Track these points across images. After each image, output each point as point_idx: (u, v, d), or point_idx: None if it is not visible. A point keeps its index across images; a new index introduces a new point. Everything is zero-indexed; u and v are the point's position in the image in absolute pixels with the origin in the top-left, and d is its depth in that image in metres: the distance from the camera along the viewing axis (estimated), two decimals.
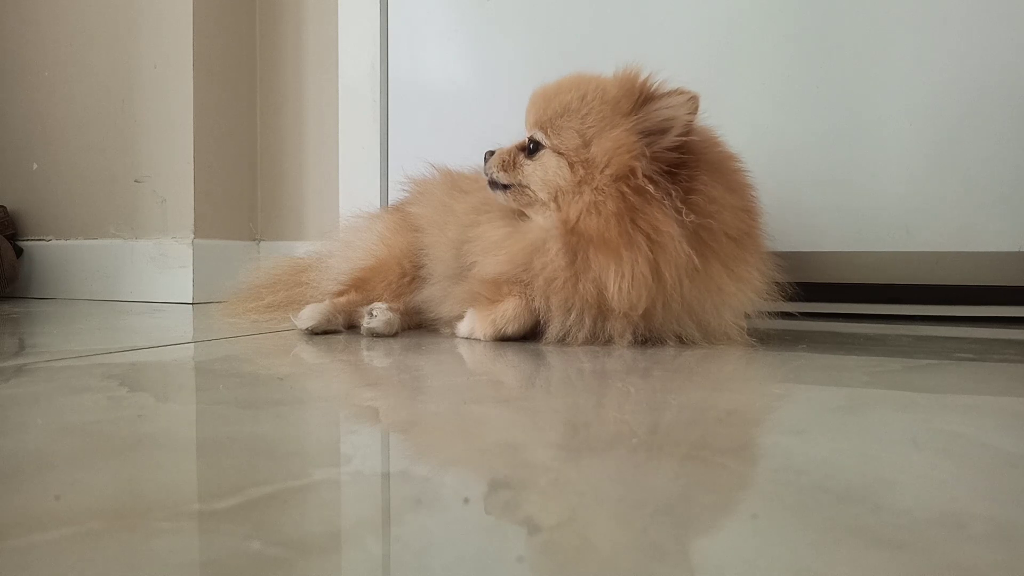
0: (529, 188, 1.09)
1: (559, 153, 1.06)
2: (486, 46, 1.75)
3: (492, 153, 1.14)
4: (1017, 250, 1.39)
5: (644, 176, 1.00)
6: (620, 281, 0.99)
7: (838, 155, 1.47)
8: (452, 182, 1.32)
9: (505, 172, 1.11)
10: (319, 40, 1.99)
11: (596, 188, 1.02)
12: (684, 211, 1.00)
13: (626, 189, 1.00)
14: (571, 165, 1.05)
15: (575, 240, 1.03)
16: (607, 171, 1.02)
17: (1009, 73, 1.37)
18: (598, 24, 1.62)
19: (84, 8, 1.97)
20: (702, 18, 1.54)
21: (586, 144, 1.04)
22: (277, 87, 2.05)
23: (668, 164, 1.02)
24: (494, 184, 1.13)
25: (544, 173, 1.07)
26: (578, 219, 1.02)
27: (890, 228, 1.45)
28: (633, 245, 0.99)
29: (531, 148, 1.10)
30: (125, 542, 0.34)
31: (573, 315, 1.03)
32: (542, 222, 1.08)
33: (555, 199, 1.06)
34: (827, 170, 1.48)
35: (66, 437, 0.53)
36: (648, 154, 1.01)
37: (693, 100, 1.02)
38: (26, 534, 0.35)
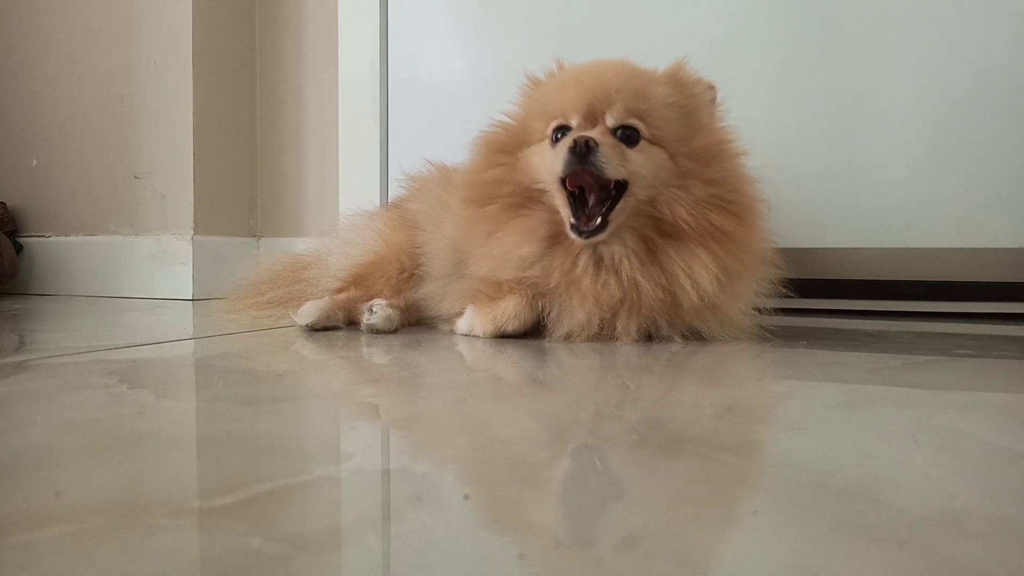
0: (636, 185, 0.99)
1: (660, 146, 1.01)
2: (485, 43, 1.75)
3: (593, 140, 0.94)
4: (1017, 246, 1.39)
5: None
6: (709, 278, 0.99)
7: (838, 152, 1.47)
8: (447, 179, 1.31)
9: (623, 166, 0.96)
10: (319, 37, 1.99)
11: (710, 180, 1.02)
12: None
13: (744, 173, 1.04)
14: (673, 158, 1.02)
15: (662, 240, 1.01)
16: (721, 160, 1.03)
17: (1009, 70, 1.37)
18: (596, 22, 1.62)
19: (84, 5, 1.97)
20: (701, 16, 1.54)
21: (687, 138, 1.03)
22: (277, 84, 2.05)
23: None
24: (596, 229, 0.98)
25: (654, 164, 1.00)
26: (689, 216, 0.99)
27: (890, 225, 1.45)
28: (750, 227, 1.03)
29: (624, 136, 0.99)
30: (125, 539, 0.34)
31: (598, 319, 1.01)
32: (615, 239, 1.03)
33: (654, 201, 1.01)
34: (827, 167, 1.48)
35: (66, 434, 0.53)
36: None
37: (712, 88, 1.09)
38: (26, 531, 0.35)
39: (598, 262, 1.03)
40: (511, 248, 1.05)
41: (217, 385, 0.75)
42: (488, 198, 1.10)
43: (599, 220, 0.99)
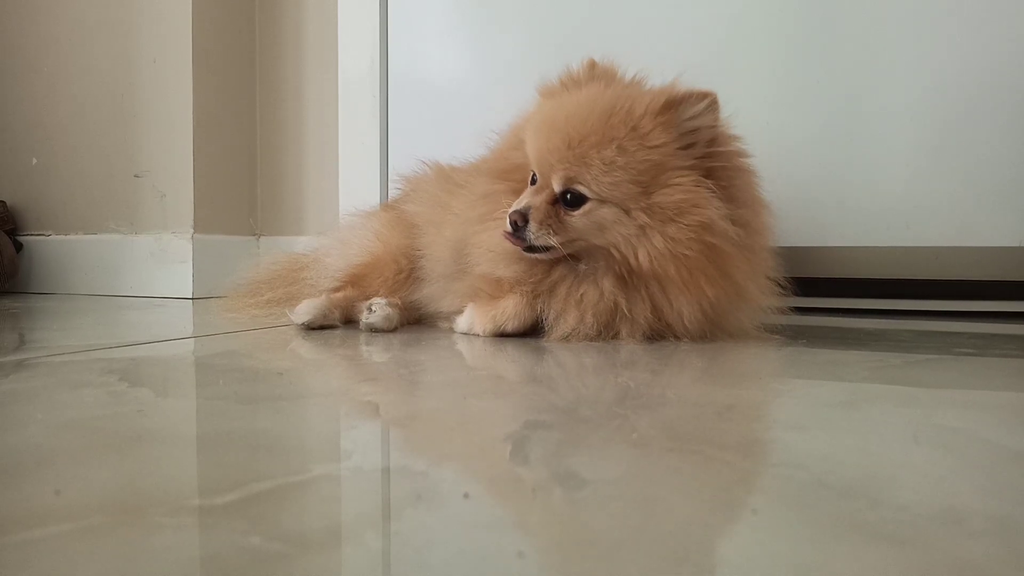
0: (581, 240, 1.02)
1: (611, 203, 0.99)
2: (485, 41, 1.75)
3: (524, 217, 1.01)
4: (1017, 245, 1.39)
5: (721, 221, 0.98)
6: (692, 314, 0.99)
7: (839, 151, 1.47)
8: (446, 178, 1.30)
9: (556, 235, 1.00)
10: (319, 35, 1.99)
11: (671, 238, 0.97)
12: (743, 234, 1.00)
13: (709, 239, 0.97)
14: (627, 212, 0.99)
15: (636, 279, 1.00)
16: (683, 220, 0.97)
17: (1009, 69, 1.37)
18: (596, 19, 1.62)
19: (84, 3, 1.97)
20: (701, 14, 1.53)
21: (645, 192, 0.99)
22: (277, 82, 2.04)
23: (703, 173, 1.00)
24: (533, 249, 1.02)
25: (600, 225, 1.00)
26: (651, 264, 0.98)
27: (891, 223, 1.45)
28: (713, 285, 0.98)
29: (569, 199, 1.01)
30: (125, 538, 0.34)
31: (591, 323, 1.01)
32: (585, 262, 1.04)
33: (615, 245, 1.00)
34: (828, 166, 1.48)
35: (66, 432, 0.53)
36: (721, 196, 0.99)
37: (713, 102, 1.00)
38: (26, 530, 0.35)
39: (572, 271, 1.04)
40: (498, 244, 1.07)
41: (217, 383, 0.75)
42: (506, 173, 1.12)
43: (526, 246, 1.02)
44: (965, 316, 1.43)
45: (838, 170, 1.47)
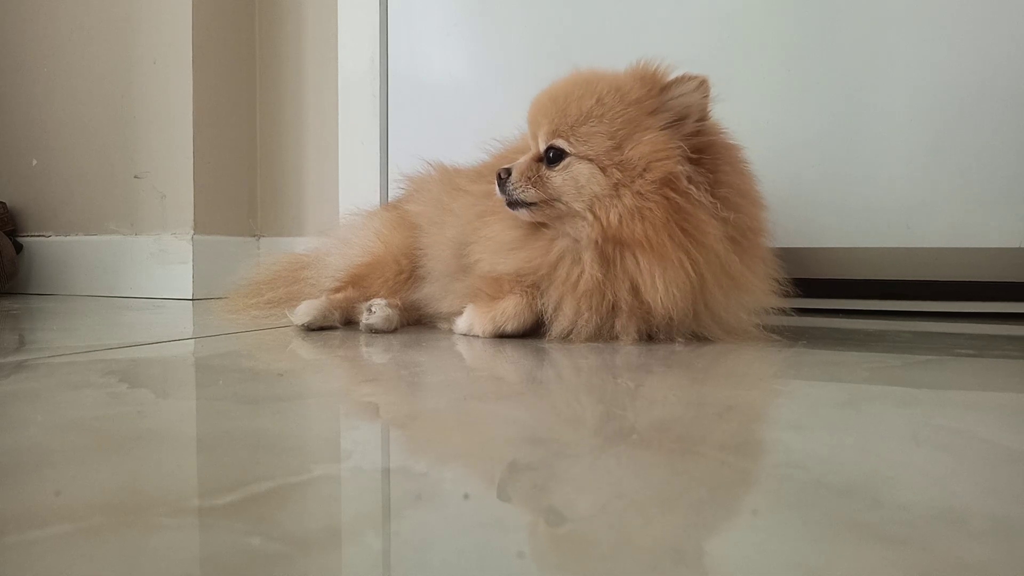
0: (560, 200, 1.04)
1: (588, 159, 1.02)
2: (485, 40, 1.75)
3: (508, 171, 1.07)
4: (1017, 246, 1.39)
5: (687, 179, 0.99)
6: (668, 286, 0.98)
7: (838, 152, 1.47)
8: (449, 179, 1.31)
9: (535, 188, 1.05)
10: (319, 35, 1.99)
11: (638, 192, 0.99)
12: (719, 207, 1.00)
13: (672, 194, 0.98)
14: (603, 169, 1.01)
15: (611, 246, 1.01)
16: (649, 176, 0.99)
17: (1009, 69, 1.37)
18: (597, 19, 1.62)
19: (84, 4, 1.97)
20: (701, 13, 1.54)
21: (618, 147, 1.01)
22: (277, 82, 2.05)
23: (691, 151, 1.01)
24: (515, 204, 1.07)
25: (576, 182, 1.03)
26: (620, 224, 1.00)
27: (891, 224, 1.45)
28: (682, 248, 0.98)
29: (551, 157, 1.05)
30: (125, 538, 0.34)
31: (586, 315, 1.02)
32: (571, 231, 1.05)
33: (591, 207, 1.02)
34: (827, 166, 1.48)
35: (66, 433, 0.53)
36: (688, 155, 1.00)
37: (704, 84, 1.02)
38: (26, 530, 0.35)
39: (568, 249, 1.05)
40: (498, 232, 1.10)
41: (217, 384, 0.75)
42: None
43: (510, 198, 1.07)
44: (965, 317, 1.43)
45: (838, 170, 1.47)
